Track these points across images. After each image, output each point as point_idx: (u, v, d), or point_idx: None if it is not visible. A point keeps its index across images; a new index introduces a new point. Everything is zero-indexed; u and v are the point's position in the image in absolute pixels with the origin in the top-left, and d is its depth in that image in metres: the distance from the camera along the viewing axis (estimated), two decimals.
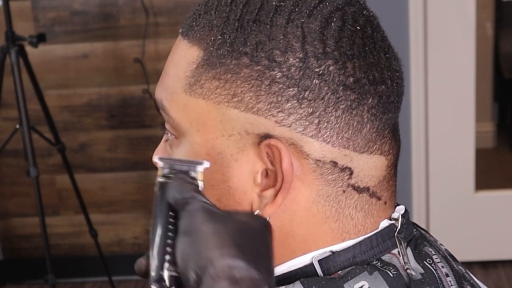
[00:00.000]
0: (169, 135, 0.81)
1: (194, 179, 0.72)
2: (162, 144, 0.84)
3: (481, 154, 3.19)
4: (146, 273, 0.68)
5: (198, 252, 0.63)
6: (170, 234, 0.67)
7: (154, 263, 0.66)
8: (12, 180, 3.24)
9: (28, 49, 2.73)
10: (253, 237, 0.66)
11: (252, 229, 0.67)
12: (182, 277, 0.64)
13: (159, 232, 0.67)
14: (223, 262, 0.62)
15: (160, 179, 0.71)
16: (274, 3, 0.75)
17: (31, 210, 3.19)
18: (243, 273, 0.61)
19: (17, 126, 2.70)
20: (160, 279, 0.65)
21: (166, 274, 0.65)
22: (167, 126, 0.80)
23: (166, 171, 0.72)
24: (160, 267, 0.66)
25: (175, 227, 0.67)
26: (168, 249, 0.66)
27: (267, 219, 0.73)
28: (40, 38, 2.69)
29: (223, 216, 0.67)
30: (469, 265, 2.97)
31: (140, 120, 3.15)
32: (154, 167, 0.74)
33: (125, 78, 3.11)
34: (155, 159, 0.73)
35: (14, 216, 3.27)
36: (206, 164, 0.73)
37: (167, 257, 0.66)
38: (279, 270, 0.78)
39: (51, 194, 3.21)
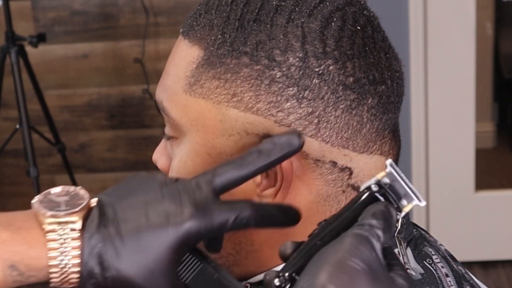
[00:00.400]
0: (169, 135, 0.81)
1: (399, 209, 0.65)
2: (162, 143, 0.84)
3: (481, 154, 3.18)
4: (287, 258, 0.63)
5: (321, 273, 0.58)
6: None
7: (296, 263, 0.61)
8: (12, 180, 3.24)
9: (28, 49, 2.73)
10: None
11: None
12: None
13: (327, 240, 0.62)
14: None
15: (386, 180, 0.65)
16: (274, 2, 0.75)
17: None
18: None
19: (17, 126, 2.70)
20: (285, 282, 0.60)
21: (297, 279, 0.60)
22: (167, 126, 0.80)
23: (386, 180, 0.65)
24: (296, 271, 0.61)
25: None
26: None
27: None
28: (40, 38, 2.70)
29: (375, 261, 0.60)
30: (469, 265, 2.97)
31: (140, 120, 3.15)
32: (154, 167, 0.74)
33: (125, 78, 3.11)
34: None
35: None
36: (423, 203, 0.66)
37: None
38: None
39: None
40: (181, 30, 0.80)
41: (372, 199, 0.64)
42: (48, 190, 0.67)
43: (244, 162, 0.67)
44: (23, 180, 3.14)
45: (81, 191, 0.68)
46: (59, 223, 0.64)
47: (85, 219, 0.65)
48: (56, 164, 3.17)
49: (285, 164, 0.74)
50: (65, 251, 0.64)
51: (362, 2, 0.79)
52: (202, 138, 0.77)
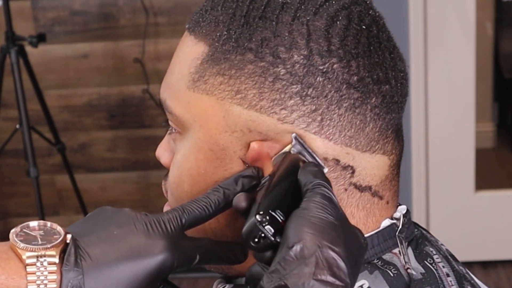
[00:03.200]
0: (173, 130, 0.81)
1: None
2: (166, 138, 0.85)
3: (481, 154, 3.18)
4: (245, 210, 0.71)
5: (313, 234, 0.64)
6: (290, 197, 0.69)
7: (267, 202, 0.67)
8: (12, 180, 3.24)
9: (28, 49, 2.73)
10: (358, 252, 0.67)
11: (359, 244, 0.68)
12: (284, 240, 0.65)
13: (283, 187, 0.69)
14: (331, 254, 0.63)
15: (291, 150, 0.73)
16: (280, 0, 0.76)
17: (31, 210, 3.18)
18: (342, 275, 0.63)
19: (17, 126, 2.70)
20: (267, 216, 0.66)
21: (274, 214, 0.66)
22: (171, 123, 0.81)
23: (295, 150, 0.73)
24: (272, 208, 0.67)
25: (293, 197, 0.69)
26: (283, 206, 0.68)
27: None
28: (40, 38, 2.69)
29: (344, 216, 0.68)
30: (469, 265, 2.96)
31: (140, 120, 3.15)
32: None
33: (125, 78, 3.11)
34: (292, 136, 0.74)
35: (14, 216, 3.27)
36: (325, 170, 0.74)
37: (278, 211, 0.67)
38: None
39: (51, 194, 3.21)
40: (186, 26, 0.80)
41: (299, 162, 0.72)
42: (26, 223, 0.70)
43: (208, 204, 0.73)
44: (23, 180, 3.14)
45: (57, 227, 0.70)
46: (37, 256, 0.67)
47: (61, 253, 0.68)
48: (56, 164, 3.17)
49: None
50: (42, 284, 0.67)
51: (367, 2, 0.79)
52: (205, 134, 0.77)
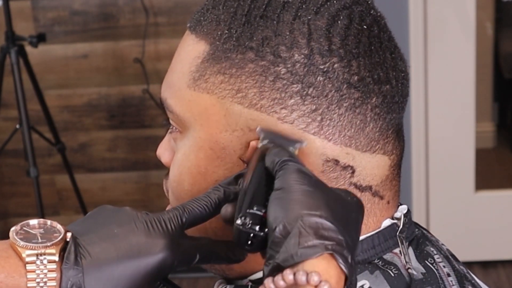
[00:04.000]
0: (174, 129, 0.81)
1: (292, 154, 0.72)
2: (166, 138, 0.85)
3: (481, 154, 3.18)
4: (230, 219, 0.70)
5: (290, 208, 0.64)
6: (264, 188, 0.68)
7: (244, 204, 0.67)
8: (12, 180, 3.24)
9: (28, 49, 2.72)
10: (345, 209, 0.67)
11: (345, 202, 0.68)
12: (268, 227, 0.65)
13: (254, 183, 0.69)
14: (313, 219, 0.63)
15: (260, 145, 0.73)
16: None
17: (31, 210, 3.18)
18: (331, 234, 0.62)
19: (17, 126, 2.70)
20: (246, 217, 0.66)
21: (252, 211, 0.66)
22: (171, 122, 0.81)
23: (265, 142, 0.73)
24: (249, 206, 0.67)
25: (268, 187, 0.68)
26: (259, 199, 0.68)
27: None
28: (40, 38, 2.69)
29: (320, 182, 0.68)
30: (469, 265, 2.96)
31: (140, 120, 3.15)
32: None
33: (125, 78, 3.11)
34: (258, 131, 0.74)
35: (14, 216, 3.27)
36: (304, 144, 0.73)
37: (255, 206, 0.67)
38: None
39: (51, 194, 3.21)
40: (188, 25, 0.80)
41: (265, 151, 0.72)
42: (26, 222, 0.71)
43: (208, 203, 0.73)
44: (23, 180, 3.13)
45: (57, 225, 0.71)
46: (37, 254, 0.67)
47: (61, 252, 0.68)
48: (56, 164, 3.17)
49: None
50: (42, 282, 0.67)
51: (369, 2, 0.79)
52: (206, 132, 0.77)
